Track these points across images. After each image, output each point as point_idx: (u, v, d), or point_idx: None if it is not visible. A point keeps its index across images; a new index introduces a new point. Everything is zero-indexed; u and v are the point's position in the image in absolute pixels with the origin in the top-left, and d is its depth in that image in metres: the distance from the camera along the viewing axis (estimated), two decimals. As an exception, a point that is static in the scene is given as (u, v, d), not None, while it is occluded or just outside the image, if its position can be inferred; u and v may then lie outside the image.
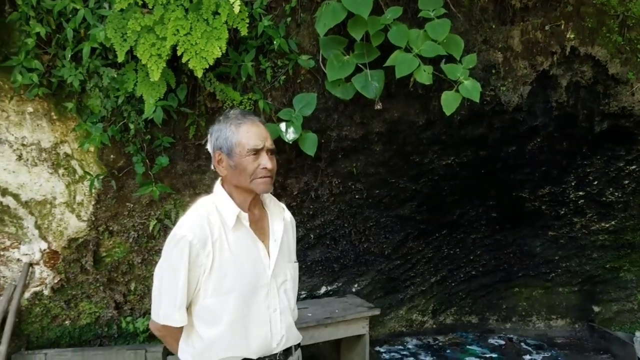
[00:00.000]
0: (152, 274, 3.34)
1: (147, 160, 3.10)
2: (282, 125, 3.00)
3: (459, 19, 3.07)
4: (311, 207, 3.60)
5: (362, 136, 3.32)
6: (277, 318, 1.83)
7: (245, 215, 1.79)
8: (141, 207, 3.28)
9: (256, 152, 1.74)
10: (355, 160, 3.47)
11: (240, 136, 1.75)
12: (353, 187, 3.60)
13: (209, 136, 1.83)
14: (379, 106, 3.00)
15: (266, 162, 1.75)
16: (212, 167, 1.82)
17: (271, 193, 1.88)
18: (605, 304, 4.93)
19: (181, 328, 1.81)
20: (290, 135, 2.99)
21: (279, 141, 2.95)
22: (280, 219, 1.90)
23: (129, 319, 3.48)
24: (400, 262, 4.27)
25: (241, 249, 1.76)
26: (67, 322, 3.44)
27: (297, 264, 1.97)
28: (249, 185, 1.76)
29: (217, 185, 1.84)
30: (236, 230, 1.76)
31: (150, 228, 3.30)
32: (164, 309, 1.74)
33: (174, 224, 3.18)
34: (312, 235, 3.76)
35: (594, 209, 4.14)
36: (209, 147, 1.83)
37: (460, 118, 3.30)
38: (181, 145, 3.16)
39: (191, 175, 3.25)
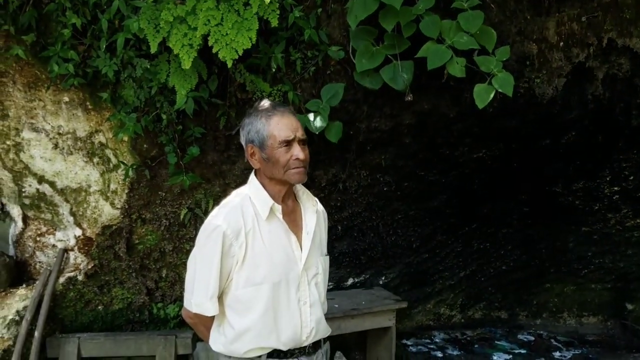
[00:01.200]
0: (183, 262, 3.46)
1: (179, 150, 3.13)
2: (310, 116, 3.01)
3: (493, 9, 3.03)
4: (339, 198, 3.60)
5: (392, 128, 3.31)
6: (308, 311, 1.84)
7: (278, 207, 1.80)
8: (172, 196, 3.31)
9: (288, 143, 1.74)
10: (384, 152, 3.46)
11: (271, 128, 1.75)
12: (382, 179, 3.59)
13: (240, 130, 1.85)
14: (409, 98, 2.98)
15: (298, 152, 1.74)
16: (246, 160, 1.84)
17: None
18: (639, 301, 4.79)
19: (213, 317, 1.83)
20: (317, 125, 3.00)
21: (308, 133, 2.91)
22: (313, 212, 1.90)
23: (159, 305, 3.53)
24: (429, 255, 4.27)
25: (274, 240, 1.77)
26: (100, 307, 3.51)
27: (328, 257, 1.98)
28: (282, 177, 1.77)
29: (252, 176, 1.85)
30: (269, 222, 1.78)
31: (181, 217, 3.33)
32: (197, 298, 1.76)
33: (204, 213, 3.30)
34: (339, 227, 3.76)
35: (629, 204, 4.07)
36: (241, 140, 1.85)
37: (493, 110, 3.26)
38: (212, 136, 3.18)
39: (221, 165, 3.28)
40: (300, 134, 1.77)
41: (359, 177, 3.53)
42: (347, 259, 3.95)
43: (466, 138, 3.48)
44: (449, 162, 3.62)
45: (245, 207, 1.77)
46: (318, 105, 3.02)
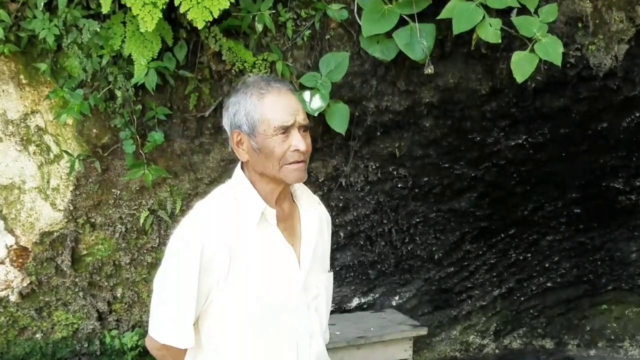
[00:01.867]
0: (144, 277, 3.50)
1: (138, 137, 3.13)
2: (306, 94, 3.03)
3: (535, -43, 3.02)
4: (341, 197, 3.61)
5: (408, 108, 3.31)
6: (306, 343, 1.87)
7: (272, 212, 1.80)
8: (130, 194, 3.33)
9: (285, 129, 1.74)
10: (398, 139, 3.47)
11: (264, 110, 1.75)
12: (395, 173, 3.60)
13: (224, 111, 1.85)
14: (429, 70, 3.00)
15: (298, 142, 1.74)
16: (230, 149, 1.84)
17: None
18: None
19: (186, 349, 1.83)
20: (315, 105, 3.01)
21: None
22: (315, 217, 1.92)
23: (114, 332, 3.53)
24: (455, 269, 4.27)
25: (265, 254, 1.79)
26: (38, 335, 3.49)
27: (331, 273, 2.00)
28: (277, 174, 1.76)
29: (237, 171, 1.86)
30: (260, 230, 1.78)
31: (141, 221, 3.34)
32: (166, 325, 1.77)
33: (170, 217, 3.32)
34: (342, 234, 3.76)
35: None
36: (224, 124, 1.85)
37: (535, 86, 3.29)
38: (179, 118, 3.19)
39: (191, 155, 3.28)
40: (301, 118, 1.77)
41: (367, 170, 3.55)
42: (351, 274, 3.96)
43: (502, 120, 3.48)
44: (480, 150, 3.63)
45: (230, 210, 1.77)
46: (315, 80, 3.04)
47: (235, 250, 1.73)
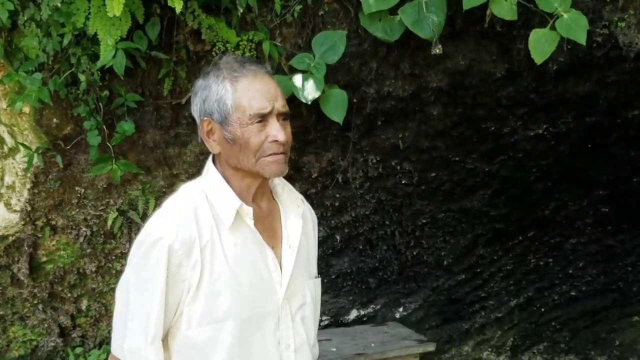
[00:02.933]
0: (112, 288, 3.46)
1: (105, 127, 3.13)
2: (297, 78, 3.01)
3: None
4: (337, 196, 3.63)
5: (413, 94, 3.31)
6: (292, 357, 1.88)
7: (248, 211, 1.82)
8: (96, 193, 3.34)
9: (263, 117, 1.77)
10: (402, 129, 3.47)
11: (238, 96, 1.77)
12: (398, 168, 3.62)
13: (192, 96, 1.87)
14: (437, 50, 2.99)
15: (277, 131, 1.77)
16: (200, 140, 1.86)
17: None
18: None
19: (154, 368, 1.78)
20: (308, 92, 3.01)
21: (292, 101, 2.94)
22: (298, 216, 1.94)
23: (78, 350, 3.53)
24: (466, 276, 4.29)
25: (242, 258, 1.80)
26: (-8, 353, 3.47)
27: (319, 279, 2.02)
28: (253, 167, 1.79)
29: (209, 165, 1.88)
30: (235, 231, 1.80)
31: (109, 223, 3.35)
32: (131, 340, 1.76)
33: (141, 218, 3.32)
34: (338, 237, 3.77)
35: None
36: (193, 111, 1.87)
37: (557, 68, 3.28)
38: (152, 106, 3.19)
39: (166, 148, 3.29)
40: (280, 104, 1.80)
41: (366, 165, 3.55)
42: (348, 283, 3.97)
43: (519, 108, 3.49)
44: (495, 142, 3.64)
45: (200, 209, 1.79)
46: (308, 62, 3.03)
47: (207, 255, 1.75)
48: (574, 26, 2.86)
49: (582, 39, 2.87)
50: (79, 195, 3.33)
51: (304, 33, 3.10)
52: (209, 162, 1.88)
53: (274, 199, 1.94)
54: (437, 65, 3.24)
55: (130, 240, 3.39)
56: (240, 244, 1.80)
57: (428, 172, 3.70)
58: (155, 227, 1.76)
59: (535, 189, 3.95)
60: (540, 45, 2.88)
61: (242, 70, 1.79)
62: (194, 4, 2.95)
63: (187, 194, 1.84)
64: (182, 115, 3.22)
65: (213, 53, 3.06)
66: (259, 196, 1.86)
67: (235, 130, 1.77)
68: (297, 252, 1.89)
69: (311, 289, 1.95)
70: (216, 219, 1.78)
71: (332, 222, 3.69)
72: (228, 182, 1.82)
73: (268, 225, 1.88)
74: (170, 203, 1.83)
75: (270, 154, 1.77)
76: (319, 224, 3.50)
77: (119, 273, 3.44)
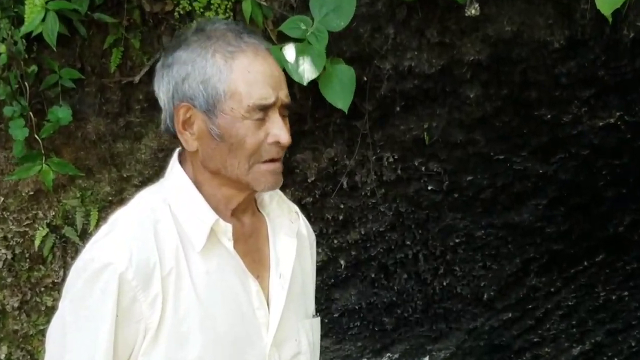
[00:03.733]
0: (40, 330, 3.33)
1: (32, 114, 3.06)
2: (289, 50, 2.89)
3: None
4: (342, 206, 3.55)
5: (443, 70, 3.21)
6: None
7: (226, 228, 1.77)
8: (20, 202, 3.28)
9: (263, 110, 1.72)
10: (429, 118, 3.38)
11: (234, 78, 1.71)
12: (423, 169, 3.54)
13: (161, 69, 1.81)
14: (474, 11, 2.91)
15: (280, 130, 1.73)
16: (164, 130, 1.84)
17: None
18: None
19: None
20: (304, 69, 2.88)
21: None
22: (291, 234, 1.93)
23: (-3, 411, 3.53)
24: (514, 315, 4.19)
25: (217, 291, 1.77)
26: None
27: (318, 319, 2.01)
28: (243, 176, 1.75)
29: (174, 166, 1.84)
30: (208, 255, 1.75)
31: (37, 243, 3.27)
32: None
33: (81, 237, 3.27)
34: (342, 262, 3.71)
35: None
36: (160, 90, 1.82)
37: (634, 36, 3.14)
38: (95, 86, 3.12)
39: (114, 143, 3.23)
40: (284, 94, 1.76)
41: (380, 165, 3.48)
42: (357, 323, 3.84)
43: (584, 89, 3.40)
44: (552, 135, 3.57)
45: (162, 226, 1.74)
46: (304, 28, 2.91)
47: (171, 286, 1.70)
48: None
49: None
50: (-4, 205, 3.26)
51: (297, -11, 3.12)
52: (174, 162, 1.84)
53: (258, 210, 1.92)
54: (475, 32, 3.14)
55: (65, 266, 3.29)
56: (214, 272, 1.76)
57: (462, 175, 3.63)
58: (101, 250, 1.70)
59: (605, 197, 3.88)
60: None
61: (240, 44, 1.74)
62: (150, -52, 3.01)
63: (143, 204, 1.80)
64: (135, 98, 3.16)
65: (175, 14, 2.98)
66: (240, 209, 1.84)
67: (225, 124, 1.72)
68: (290, 282, 1.86)
69: (307, 331, 1.93)
70: (183, 238, 1.74)
71: (335, 241, 3.63)
72: (200, 189, 1.78)
73: (252, 247, 1.86)
74: (121, 217, 1.79)
75: (267, 160, 1.75)
76: (317, 243, 3.68)
77: (50, 310, 3.37)
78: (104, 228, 1.77)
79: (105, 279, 1.64)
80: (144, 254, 1.67)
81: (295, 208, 2.01)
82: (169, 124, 1.79)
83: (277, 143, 1.73)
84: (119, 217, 1.79)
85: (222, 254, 1.77)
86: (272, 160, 1.74)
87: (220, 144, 1.72)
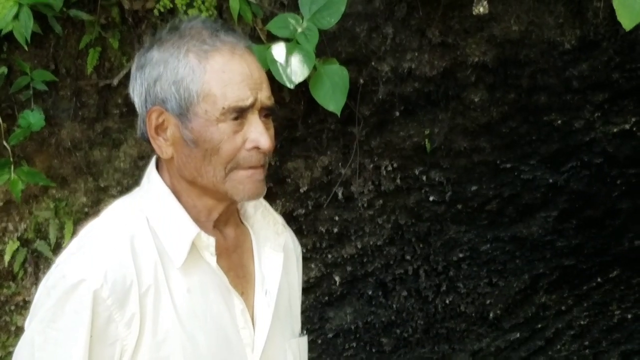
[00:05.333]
0: (10, 353, 3.32)
1: (1, 119, 3.03)
2: (277, 50, 2.84)
3: None
4: (336, 219, 3.52)
5: (445, 72, 3.17)
6: None
7: (209, 242, 1.77)
8: None
9: (240, 113, 1.72)
10: (430, 124, 3.34)
11: (208, 79, 1.71)
12: (424, 178, 3.50)
13: (135, 71, 1.82)
14: (481, 9, 2.89)
15: (260, 134, 1.74)
16: (141, 137, 1.84)
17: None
18: None
19: None
20: (293, 70, 2.83)
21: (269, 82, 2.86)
22: (277, 248, 1.94)
23: None
24: (522, 335, 4.18)
25: (199, 310, 1.76)
26: None
27: (305, 338, 2.03)
28: (220, 184, 1.75)
29: (151, 174, 1.84)
30: (189, 271, 1.75)
31: (7, 258, 3.24)
32: None
33: (54, 251, 3.23)
34: (336, 279, 3.68)
35: None
36: (134, 94, 1.83)
37: None
38: (70, 89, 3.07)
39: (90, 150, 3.18)
40: (264, 95, 1.76)
41: (378, 174, 3.43)
42: (352, 344, 3.81)
43: (597, 92, 3.35)
44: (563, 142, 3.54)
45: (139, 240, 1.73)
46: (293, 27, 2.87)
47: (149, 305, 1.69)
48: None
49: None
50: (-37, 217, 3.29)
51: (287, -15, 3.11)
52: (151, 169, 1.85)
53: (242, 222, 1.94)
54: (480, 32, 3.10)
55: (37, 283, 3.27)
56: (196, 290, 1.76)
57: (466, 185, 3.61)
58: (73, 266, 1.67)
59: (620, 209, 3.86)
60: (630, 3, 2.67)
61: (215, 42, 1.74)
62: (130, -60, 2.98)
63: (117, 216, 1.80)
64: (113, 102, 3.10)
65: (156, 12, 2.93)
66: (222, 220, 1.85)
67: (199, 128, 1.72)
68: (276, 300, 1.87)
69: (295, 352, 1.94)
70: (162, 253, 1.73)
71: (329, 256, 3.59)
72: (179, 199, 1.79)
73: (235, 262, 1.86)
74: (94, 230, 1.77)
75: (248, 167, 1.75)
76: (310, 258, 3.57)
77: (20, 330, 3.52)
78: (75, 242, 1.75)
79: (78, 297, 1.61)
80: (120, 270, 1.65)
81: (281, 220, 1.99)
82: (144, 130, 1.78)
83: (257, 149, 1.72)
84: (92, 230, 1.76)
85: (204, 269, 1.76)
86: (252, 167, 1.73)
87: (194, 150, 1.72)
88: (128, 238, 1.71)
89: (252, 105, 1.72)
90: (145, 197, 1.81)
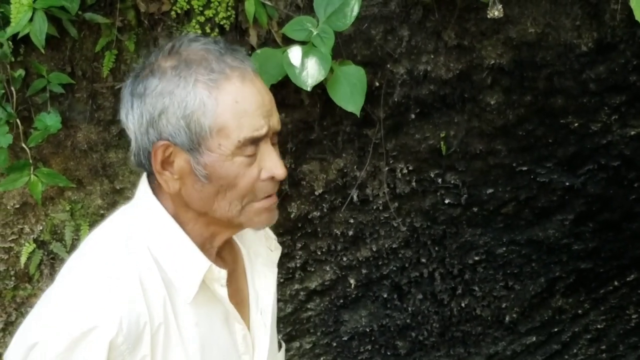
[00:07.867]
0: None
1: (19, 121, 3.04)
2: (294, 53, 2.89)
3: None
4: (351, 221, 3.56)
5: (461, 75, 3.23)
6: None
7: (221, 275, 1.74)
8: (5, 216, 3.28)
9: (255, 143, 1.68)
10: (446, 126, 3.39)
11: (223, 111, 1.64)
12: (439, 181, 3.56)
13: (130, 98, 1.71)
14: (497, 12, 2.92)
15: (275, 163, 1.70)
16: (133, 162, 1.76)
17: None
18: None
19: None
20: (309, 73, 2.87)
21: (286, 85, 2.92)
22: (270, 265, 1.97)
23: None
24: (538, 339, 4.19)
25: (205, 343, 1.74)
26: None
27: (283, 348, 2.06)
28: (236, 217, 1.72)
29: (148, 198, 1.76)
30: (198, 304, 1.73)
31: (23, 260, 3.28)
32: None
33: (69, 253, 3.13)
34: (351, 281, 3.72)
35: None
36: (130, 123, 1.73)
37: None
38: (86, 92, 3.11)
39: (106, 152, 3.22)
40: (275, 120, 1.72)
41: (393, 176, 3.48)
42: (367, 347, 3.85)
43: (614, 95, 3.40)
44: (580, 145, 3.58)
45: (146, 274, 1.68)
46: (310, 30, 2.91)
47: (160, 343, 1.66)
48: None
49: None
50: (-21, 219, 3.29)
51: (303, -12, 3.10)
52: (145, 191, 1.76)
53: (231, 240, 1.91)
54: (496, 34, 3.16)
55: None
56: (204, 323, 1.75)
57: (482, 188, 3.65)
58: (83, 308, 1.59)
59: (637, 212, 3.90)
60: (646, 3, 2.88)
61: (224, 69, 1.66)
62: (147, -55, 2.99)
63: (121, 245, 1.70)
64: None
65: (172, 14, 2.97)
66: (224, 246, 1.84)
67: (213, 164, 1.66)
68: (272, 323, 1.91)
69: None
70: (168, 286, 1.70)
71: (344, 259, 3.61)
72: (183, 227, 1.73)
73: (234, 286, 1.84)
74: (97, 264, 1.67)
75: (264, 198, 1.72)
76: (325, 261, 3.62)
77: None
78: (75, 277, 1.66)
79: (90, 345, 1.56)
80: (135, 312, 1.61)
81: (274, 236, 2.00)
82: (143, 160, 1.71)
83: (272, 178, 1.69)
84: (94, 265, 1.68)
85: (210, 299, 1.74)
86: (268, 197, 1.71)
87: (206, 186, 1.67)
88: (137, 274, 1.66)
89: (266, 134, 1.69)
90: (145, 223, 1.75)
